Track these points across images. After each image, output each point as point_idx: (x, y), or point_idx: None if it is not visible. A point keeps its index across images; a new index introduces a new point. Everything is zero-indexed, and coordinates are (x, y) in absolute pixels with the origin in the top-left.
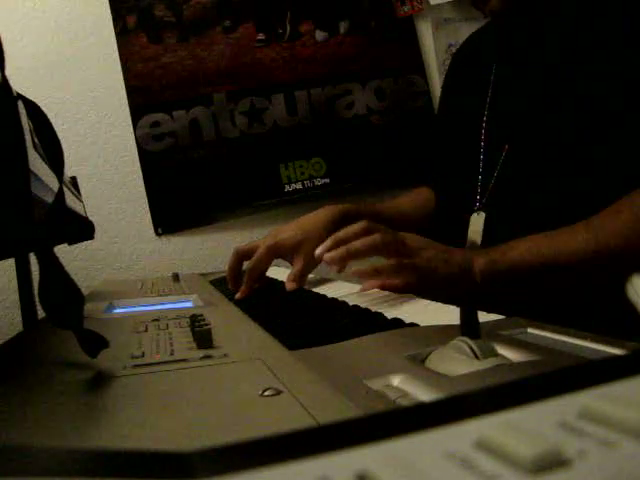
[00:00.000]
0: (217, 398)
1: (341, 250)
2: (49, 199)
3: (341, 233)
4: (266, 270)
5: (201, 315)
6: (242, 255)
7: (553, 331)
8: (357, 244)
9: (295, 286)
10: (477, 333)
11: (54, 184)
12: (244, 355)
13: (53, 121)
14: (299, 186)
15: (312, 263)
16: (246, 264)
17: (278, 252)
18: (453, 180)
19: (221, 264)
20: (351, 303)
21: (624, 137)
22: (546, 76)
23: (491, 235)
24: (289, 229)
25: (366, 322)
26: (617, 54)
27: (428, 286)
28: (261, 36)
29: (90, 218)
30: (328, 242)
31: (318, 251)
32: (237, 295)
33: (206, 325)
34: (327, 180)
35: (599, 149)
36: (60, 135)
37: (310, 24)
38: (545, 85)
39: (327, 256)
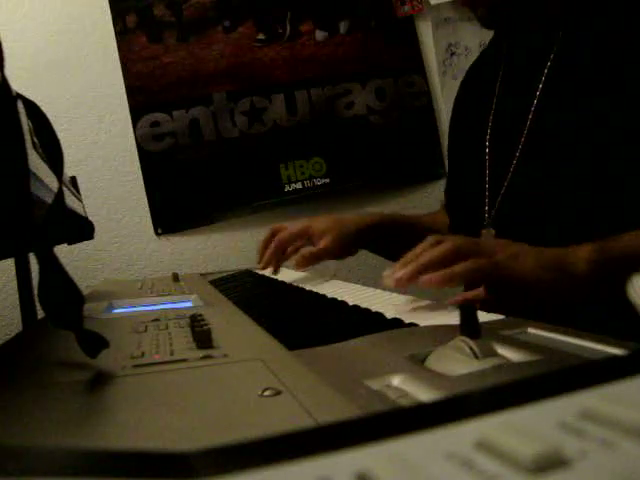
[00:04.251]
0: (217, 398)
1: (411, 266)
2: (49, 199)
3: (409, 254)
4: (290, 243)
5: (201, 315)
6: (276, 232)
7: (553, 331)
8: (426, 255)
9: (304, 264)
10: (477, 333)
11: (54, 184)
12: (244, 355)
13: (53, 121)
14: (299, 186)
15: (329, 249)
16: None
17: (308, 232)
18: (462, 197)
19: (221, 264)
20: (351, 303)
21: (635, 153)
22: (548, 90)
23: None
24: (323, 218)
25: (366, 322)
26: (620, 68)
27: (515, 284)
28: (261, 36)
29: (90, 218)
30: (398, 264)
31: (386, 274)
32: (260, 265)
33: (206, 325)
34: (327, 180)
35: (603, 164)
36: (60, 135)
37: (310, 24)
38: (548, 99)
39: (396, 276)
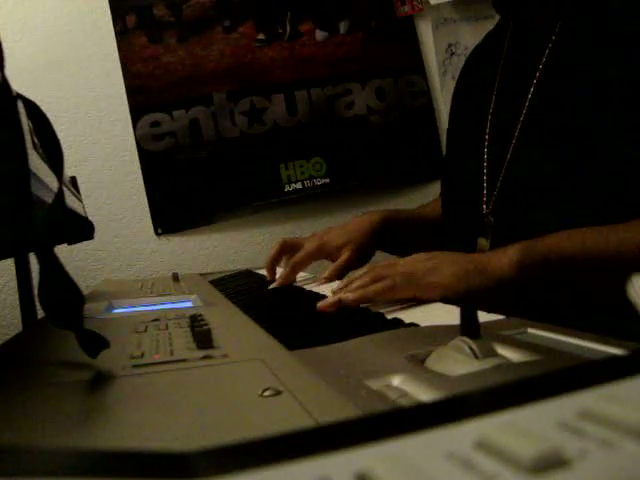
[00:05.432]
0: (217, 398)
1: (360, 292)
2: (49, 199)
3: (355, 282)
4: (307, 265)
5: (201, 315)
6: (285, 248)
7: (553, 331)
8: (352, 285)
9: (328, 279)
10: (477, 333)
11: (54, 184)
12: (244, 355)
13: (53, 121)
14: (299, 186)
15: (351, 261)
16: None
17: (324, 251)
18: (460, 187)
19: (221, 264)
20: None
21: (633, 145)
22: (546, 78)
23: (499, 242)
24: (334, 232)
25: (366, 322)
26: (624, 59)
27: (438, 293)
28: (261, 36)
29: (90, 218)
30: (341, 284)
31: (320, 305)
32: (273, 285)
33: (206, 325)
34: (327, 180)
35: (601, 150)
36: (60, 135)
37: (310, 24)
38: (545, 87)
39: (349, 298)
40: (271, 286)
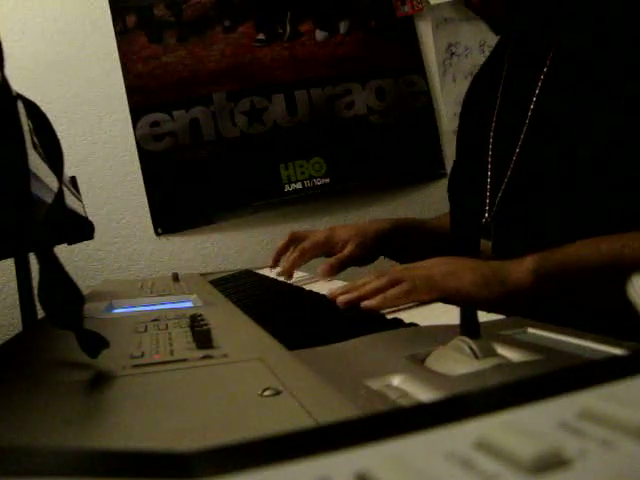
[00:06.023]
0: (217, 398)
1: (351, 295)
2: (49, 199)
3: (353, 284)
4: (313, 254)
5: (201, 315)
6: (295, 239)
7: (553, 331)
8: (367, 286)
9: (330, 272)
10: (477, 333)
11: (54, 184)
12: (244, 355)
13: (53, 121)
14: (299, 186)
15: (354, 255)
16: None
17: (331, 242)
18: (464, 192)
19: (221, 264)
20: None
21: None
22: (548, 86)
23: (501, 249)
24: (343, 227)
25: (366, 322)
26: (619, 63)
27: (456, 298)
28: (261, 36)
29: (90, 218)
30: (341, 289)
31: (330, 292)
32: (279, 270)
33: (206, 325)
34: (327, 180)
35: (603, 159)
36: (60, 135)
37: (310, 24)
38: (547, 94)
39: (339, 300)
40: (277, 270)
